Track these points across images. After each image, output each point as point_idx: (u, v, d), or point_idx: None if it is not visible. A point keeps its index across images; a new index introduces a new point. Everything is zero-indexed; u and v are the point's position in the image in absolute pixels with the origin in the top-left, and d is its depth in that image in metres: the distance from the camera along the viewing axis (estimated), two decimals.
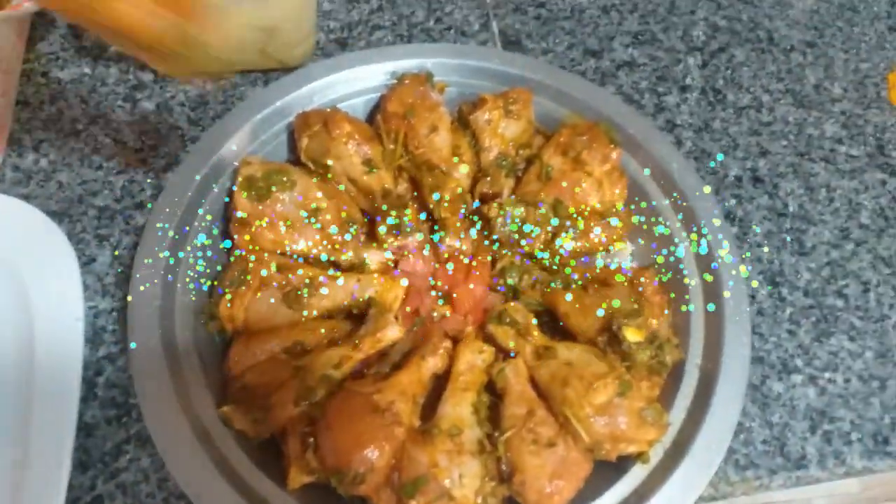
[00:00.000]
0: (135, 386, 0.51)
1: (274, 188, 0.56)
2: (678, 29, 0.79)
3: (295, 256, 0.57)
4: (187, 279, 0.56)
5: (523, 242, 0.58)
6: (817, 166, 0.71)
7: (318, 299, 0.54)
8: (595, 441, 0.48)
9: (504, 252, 0.58)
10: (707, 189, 0.61)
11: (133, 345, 0.52)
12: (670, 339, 0.53)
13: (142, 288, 0.54)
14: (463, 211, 0.59)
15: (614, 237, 0.60)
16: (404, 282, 0.57)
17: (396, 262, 0.58)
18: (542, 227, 0.58)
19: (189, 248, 0.57)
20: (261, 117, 0.62)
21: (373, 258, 0.57)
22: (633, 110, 0.67)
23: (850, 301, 0.63)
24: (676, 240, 0.60)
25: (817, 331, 0.61)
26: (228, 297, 0.53)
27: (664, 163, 0.62)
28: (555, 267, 0.58)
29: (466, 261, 0.58)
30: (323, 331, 0.54)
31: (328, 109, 0.61)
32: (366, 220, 0.60)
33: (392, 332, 0.52)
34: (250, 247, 0.56)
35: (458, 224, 0.58)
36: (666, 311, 0.56)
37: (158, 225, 0.56)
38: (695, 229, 0.60)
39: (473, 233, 0.59)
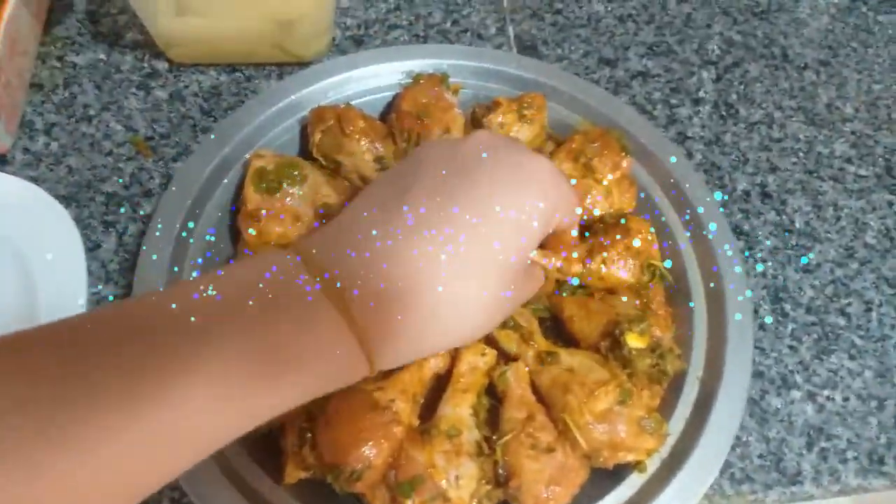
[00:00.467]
0: None
1: (284, 182, 0.56)
2: (693, 42, 0.79)
3: None
4: (192, 270, 0.56)
5: None
6: (825, 184, 0.71)
7: None
8: (593, 448, 0.48)
9: None
10: (715, 202, 0.61)
11: None
12: (672, 349, 0.53)
13: (146, 277, 0.54)
14: None
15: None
16: None
17: None
18: None
19: (195, 239, 0.57)
20: (274, 111, 0.62)
21: None
22: (646, 120, 0.67)
23: (852, 320, 0.63)
24: (682, 250, 0.60)
25: (818, 348, 0.61)
26: None
27: (674, 174, 0.62)
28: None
29: None
30: None
31: (343, 106, 0.61)
32: None
33: None
34: (258, 240, 0.56)
35: None
36: (671, 324, 0.56)
37: (165, 214, 0.56)
38: (702, 241, 0.60)
39: None
